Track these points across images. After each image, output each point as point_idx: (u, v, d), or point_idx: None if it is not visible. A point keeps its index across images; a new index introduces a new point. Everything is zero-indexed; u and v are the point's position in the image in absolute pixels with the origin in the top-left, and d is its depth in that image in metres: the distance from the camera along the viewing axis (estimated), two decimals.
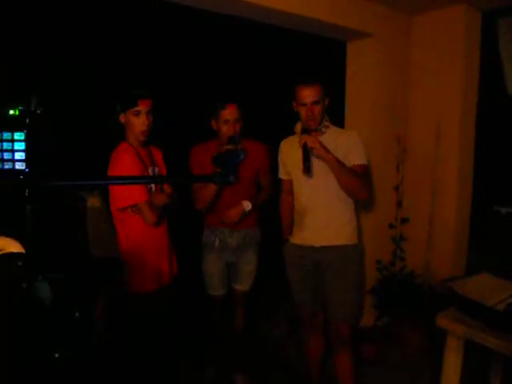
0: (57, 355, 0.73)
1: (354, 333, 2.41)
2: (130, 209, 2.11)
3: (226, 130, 2.44)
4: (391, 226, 3.46)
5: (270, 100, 4.55)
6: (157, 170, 2.29)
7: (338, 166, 2.14)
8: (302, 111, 2.26)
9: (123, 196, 2.08)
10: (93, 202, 2.92)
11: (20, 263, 0.79)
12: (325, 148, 2.14)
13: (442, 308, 2.05)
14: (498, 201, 3.22)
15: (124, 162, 2.10)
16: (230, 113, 2.44)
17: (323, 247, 2.30)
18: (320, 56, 3.87)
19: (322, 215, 2.31)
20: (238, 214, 2.52)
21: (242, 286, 2.70)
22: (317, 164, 2.27)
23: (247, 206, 2.52)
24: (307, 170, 2.18)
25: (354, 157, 2.23)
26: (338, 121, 2.50)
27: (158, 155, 2.35)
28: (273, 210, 2.66)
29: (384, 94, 3.38)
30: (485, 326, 1.81)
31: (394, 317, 3.23)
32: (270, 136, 2.73)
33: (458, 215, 3.34)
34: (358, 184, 2.19)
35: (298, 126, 2.37)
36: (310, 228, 2.34)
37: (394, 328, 3.21)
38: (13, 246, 0.85)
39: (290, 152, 2.43)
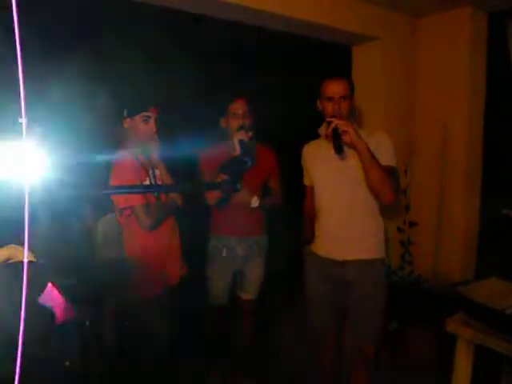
0: (67, 363, 0.73)
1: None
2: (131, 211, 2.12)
3: (235, 123, 2.41)
4: (399, 229, 3.45)
5: (281, 105, 4.55)
6: (157, 172, 2.28)
7: (369, 157, 1.90)
8: (328, 107, 2.05)
9: (120, 199, 2.10)
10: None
11: (31, 271, 0.80)
12: (358, 134, 1.92)
13: (451, 312, 2.04)
14: (507, 204, 3.19)
15: (120, 170, 2.11)
16: (238, 106, 2.43)
17: (346, 261, 2.11)
18: (324, 60, 3.87)
19: (345, 226, 2.12)
20: (242, 200, 2.46)
21: (249, 294, 2.68)
22: (341, 169, 2.11)
23: (255, 202, 2.46)
24: (339, 149, 1.93)
25: (383, 157, 1.99)
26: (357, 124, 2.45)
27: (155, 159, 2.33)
28: (281, 217, 2.65)
29: (390, 97, 3.37)
30: (494, 330, 1.80)
31: (402, 321, 3.21)
32: (282, 142, 2.71)
33: (467, 219, 3.33)
34: (388, 183, 1.94)
35: (323, 129, 2.17)
36: (332, 240, 2.16)
37: (403, 332, 3.19)
38: (23, 254, 0.86)
39: (313, 156, 2.28)
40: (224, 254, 2.56)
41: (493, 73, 3.35)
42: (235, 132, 2.36)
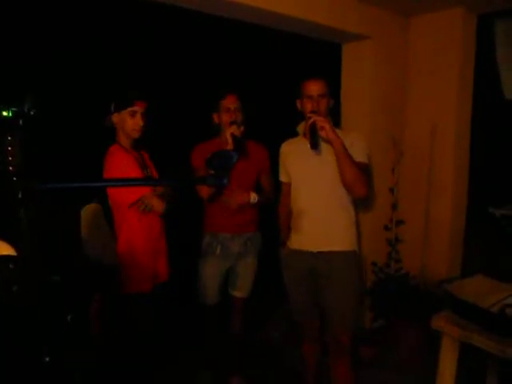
0: (47, 359, 0.72)
1: (353, 340, 2.35)
2: (137, 205, 2.12)
3: (227, 118, 2.43)
4: (386, 227, 3.47)
5: (267, 101, 4.55)
6: (149, 171, 2.30)
7: (344, 152, 2.07)
8: (308, 104, 2.20)
9: (130, 191, 2.10)
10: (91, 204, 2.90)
11: (11, 266, 0.79)
12: (334, 130, 2.09)
13: (438, 309, 2.05)
14: (493, 203, 3.23)
15: (120, 161, 2.13)
16: (230, 101, 2.45)
17: (321, 253, 2.24)
18: (315, 58, 3.87)
19: (320, 220, 2.25)
20: (242, 200, 2.45)
21: (241, 292, 2.66)
22: (317, 166, 2.23)
23: (254, 198, 2.47)
24: (315, 145, 2.11)
25: (356, 154, 2.15)
26: (334, 124, 2.49)
27: (145, 158, 2.37)
28: (271, 213, 2.65)
29: (380, 96, 3.38)
30: (479, 327, 1.81)
31: (390, 318, 3.24)
32: (269, 138, 2.72)
33: (454, 217, 3.36)
34: (360, 178, 2.11)
35: (301, 127, 2.32)
36: (307, 233, 2.28)
37: (390, 329, 3.21)
38: (4, 249, 0.84)
39: (291, 154, 2.39)
40: (218, 252, 2.55)
41: (481, 74, 3.38)
42: (227, 127, 2.38)
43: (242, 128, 2.40)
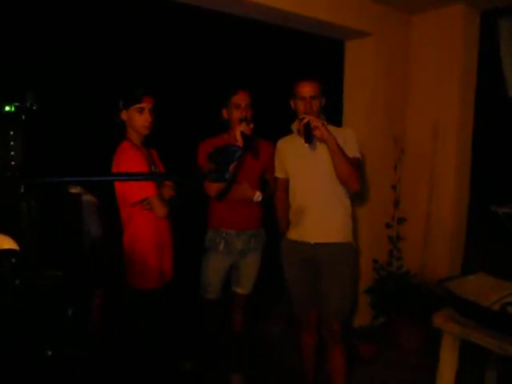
0: (49, 353, 0.72)
1: (346, 330, 2.45)
2: (141, 204, 2.13)
3: (237, 114, 2.43)
4: (388, 225, 3.47)
5: (266, 99, 4.54)
6: (157, 169, 2.31)
7: (338, 149, 2.17)
8: (301, 106, 2.30)
9: (137, 190, 2.10)
10: (88, 197, 2.90)
11: (13, 260, 0.79)
12: (327, 129, 2.18)
13: (439, 307, 2.06)
14: (495, 201, 3.22)
15: (131, 158, 2.13)
16: (241, 98, 2.45)
17: (318, 244, 2.32)
18: (318, 55, 3.86)
19: (317, 212, 2.33)
20: (246, 195, 2.48)
21: (244, 289, 2.66)
22: (313, 162, 2.31)
23: (257, 196, 2.50)
24: (310, 139, 2.19)
25: (350, 150, 2.26)
26: (336, 120, 2.50)
27: (154, 155, 2.37)
28: (269, 208, 2.65)
29: (382, 93, 3.38)
30: (480, 326, 1.81)
31: (390, 316, 3.24)
32: (270, 134, 2.72)
33: (455, 215, 3.35)
34: (354, 173, 2.21)
35: (295, 125, 2.38)
36: (305, 225, 2.35)
37: (391, 327, 3.22)
38: (6, 243, 0.84)
39: (287, 151, 2.45)
40: (221, 248, 2.55)
41: (484, 71, 3.36)
42: (237, 124, 2.39)
43: (251, 125, 2.39)
